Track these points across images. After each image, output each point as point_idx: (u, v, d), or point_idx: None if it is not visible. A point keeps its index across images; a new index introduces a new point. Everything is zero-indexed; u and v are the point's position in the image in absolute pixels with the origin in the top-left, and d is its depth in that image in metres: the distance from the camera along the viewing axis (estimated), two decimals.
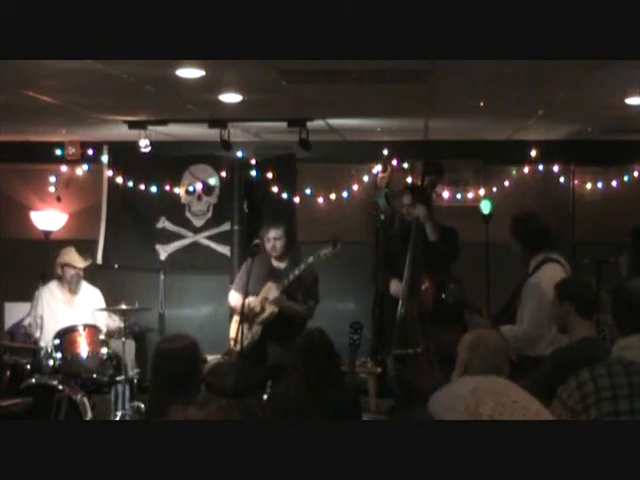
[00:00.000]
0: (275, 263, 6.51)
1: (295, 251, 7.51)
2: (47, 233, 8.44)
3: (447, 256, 6.25)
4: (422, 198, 6.32)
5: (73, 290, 7.19)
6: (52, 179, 8.51)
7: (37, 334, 6.87)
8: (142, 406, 6.71)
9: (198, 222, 8.52)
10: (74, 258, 7.15)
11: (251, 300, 6.28)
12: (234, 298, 6.57)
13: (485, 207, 7.74)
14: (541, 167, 8.18)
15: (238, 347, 6.25)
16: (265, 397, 4.56)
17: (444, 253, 6.21)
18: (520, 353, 4.96)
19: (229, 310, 6.93)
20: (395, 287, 6.25)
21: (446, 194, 8.26)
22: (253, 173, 8.21)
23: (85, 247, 7.57)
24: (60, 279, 7.17)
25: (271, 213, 8.19)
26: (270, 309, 6.34)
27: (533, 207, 8.08)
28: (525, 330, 5.10)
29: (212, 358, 5.73)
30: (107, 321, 7.23)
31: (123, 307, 7.03)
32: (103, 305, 7.30)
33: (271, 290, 6.34)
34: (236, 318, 6.47)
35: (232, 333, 6.49)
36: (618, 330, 3.37)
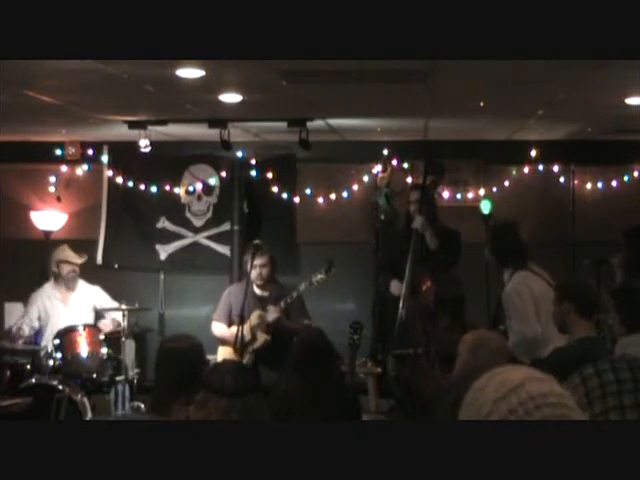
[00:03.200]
0: (258, 291, 6.35)
1: (293, 257, 7.50)
2: (47, 233, 8.43)
3: (447, 261, 6.29)
4: (426, 198, 6.36)
5: (69, 288, 7.19)
6: (52, 179, 8.51)
7: (29, 337, 6.89)
8: (142, 406, 6.71)
9: (198, 222, 8.52)
10: (69, 254, 7.16)
11: (241, 329, 6.09)
12: (218, 328, 6.45)
13: (485, 207, 7.75)
14: (541, 167, 8.18)
15: None
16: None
17: (444, 259, 6.25)
18: (532, 357, 5.00)
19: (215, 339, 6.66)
20: (396, 286, 6.26)
21: (446, 194, 8.25)
22: (253, 173, 8.21)
23: (85, 247, 7.57)
24: (56, 278, 7.18)
25: (271, 213, 8.21)
26: (263, 337, 6.23)
27: (532, 208, 8.13)
28: (517, 332, 5.15)
29: (212, 358, 5.74)
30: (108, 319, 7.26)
31: (123, 307, 7.03)
32: (105, 299, 7.31)
33: (265, 315, 6.23)
34: (224, 348, 6.35)
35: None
36: (623, 329, 3.39)
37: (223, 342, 6.40)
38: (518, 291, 5.25)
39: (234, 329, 6.21)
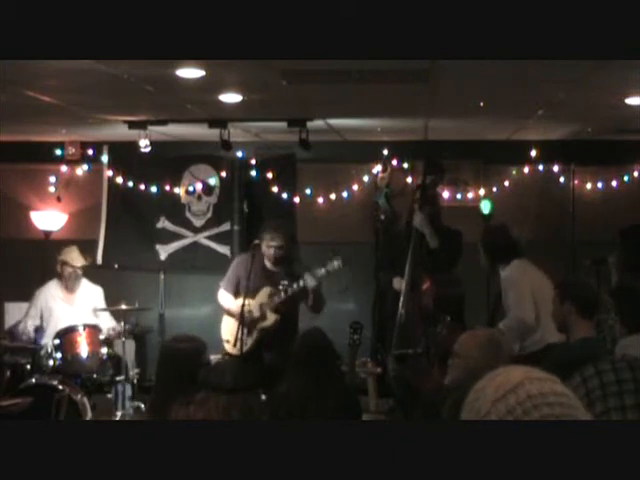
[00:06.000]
0: (269, 265, 6.34)
1: (294, 253, 7.48)
2: (47, 233, 8.44)
3: (447, 261, 6.30)
4: (427, 197, 6.37)
5: (72, 288, 7.21)
6: (52, 179, 8.51)
7: (33, 334, 6.90)
8: (142, 406, 6.70)
9: (198, 222, 8.52)
10: (73, 256, 7.17)
11: (248, 303, 6.10)
12: (225, 298, 6.42)
13: (485, 207, 7.77)
14: (541, 167, 8.18)
15: (234, 350, 6.17)
16: (265, 397, 4.56)
17: (444, 259, 6.25)
18: (522, 344, 5.11)
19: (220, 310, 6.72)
20: (398, 283, 6.27)
21: (446, 194, 8.25)
22: (253, 173, 8.22)
23: (85, 247, 7.57)
24: (60, 277, 7.20)
25: (271, 213, 8.20)
26: (273, 317, 6.22)
27: (532, 208, 8.13)
28: (514, 317, 5.26)
29: (212, 358, 5.73)
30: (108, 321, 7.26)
31: (123, 307, 7.03)
32: (103, 302, 7.31)
33: (275, 295, 6.22)
34: (229, 319, 6.37)
35: (225, 334, 6.36)
36: (623, 329, 3.39)
37: (229, 313, 6.39)
38: (517, 276, 5.40)
39: (240, 301, 6.19)
